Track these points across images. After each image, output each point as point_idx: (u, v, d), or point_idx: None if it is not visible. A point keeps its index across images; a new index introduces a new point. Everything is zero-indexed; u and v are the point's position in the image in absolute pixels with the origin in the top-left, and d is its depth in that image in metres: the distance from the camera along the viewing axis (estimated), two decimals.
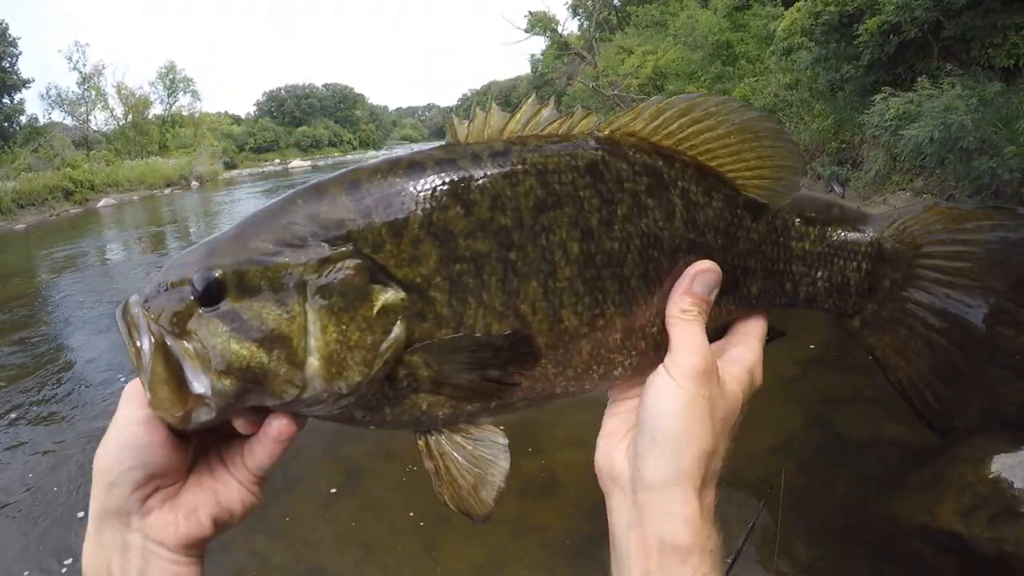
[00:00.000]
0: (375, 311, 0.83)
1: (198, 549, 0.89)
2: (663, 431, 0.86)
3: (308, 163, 77.94)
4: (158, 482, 0.86)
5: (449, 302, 0.86)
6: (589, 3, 47.67)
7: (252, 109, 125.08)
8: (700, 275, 0.94)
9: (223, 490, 0.92)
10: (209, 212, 34.09)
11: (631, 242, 0.94)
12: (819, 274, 1.06)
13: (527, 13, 36.01)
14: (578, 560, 4.74)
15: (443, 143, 0.97)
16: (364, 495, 6.08)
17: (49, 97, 66.49)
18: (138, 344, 0.84)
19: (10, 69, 62.92)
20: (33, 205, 42.59)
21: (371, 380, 0.85)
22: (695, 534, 0.82)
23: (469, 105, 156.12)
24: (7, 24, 63.20)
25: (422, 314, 0.86)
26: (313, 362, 0.83)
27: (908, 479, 5.18)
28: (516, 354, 0.89)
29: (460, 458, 0.94)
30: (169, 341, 0.83)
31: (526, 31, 36.42)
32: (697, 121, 1.01)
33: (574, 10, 50.12)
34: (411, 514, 5.57)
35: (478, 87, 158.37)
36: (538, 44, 59.79)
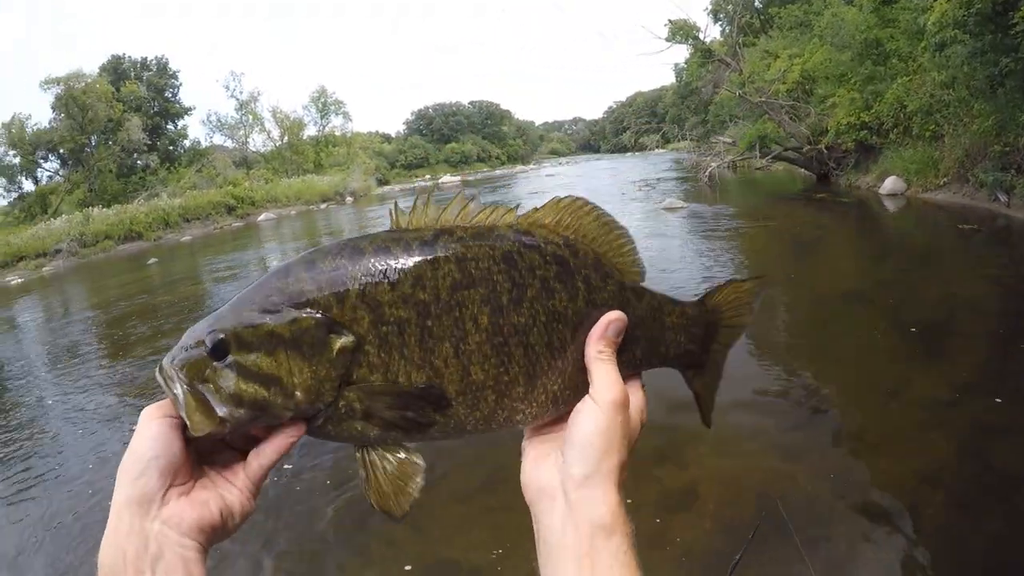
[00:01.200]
0: (334, 353, 1.07)
1: (206, 537, 0.99)
2: (590, 444, 1.06)
3: (457, 178, 78.89)
4: (174, 479, 0.99)
5: (379, 354, 1.09)
6: (730, 7, 46.96)
7: (401, 128, 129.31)
8: (612, 323, 1.16)
9: (226, 494, 1.06)
10: (363, 223, 35.54)
11: (538, 317, 1.15)
12: (680, 339, 1.35)
13: (667, 22, 35.59)
14: None
15: (388, 229, 1.18)
16: (503, 496, 6.06)
17: (210, 122, 72.26)
18: (174, 391, 1.03)
19: (173, 99, 68.27)
20: (198, 219, 46.72)
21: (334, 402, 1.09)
22: (617, 517, 1.02)
23: (615, 117, 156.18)
24: (167, 59, 67.92)
25: (359, 361, 1.09)
26: (298, 393, 1.05)
27: None
28: (431, 398, 1.11)
29: (385, 470, 1.13)
30: (196, 384, 1.04)
31: (667, 40, 36.01)
32: (585, 216, 1.26)
33: (715, 15, 49.50)
34: None
35: (623, 99, 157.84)
36: (681, 53, 59.15)
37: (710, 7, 48.91)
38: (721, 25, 48.63)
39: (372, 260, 1.11)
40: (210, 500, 1.01)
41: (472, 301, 1.12)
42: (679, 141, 56.81)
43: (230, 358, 1.04)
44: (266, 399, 1.04)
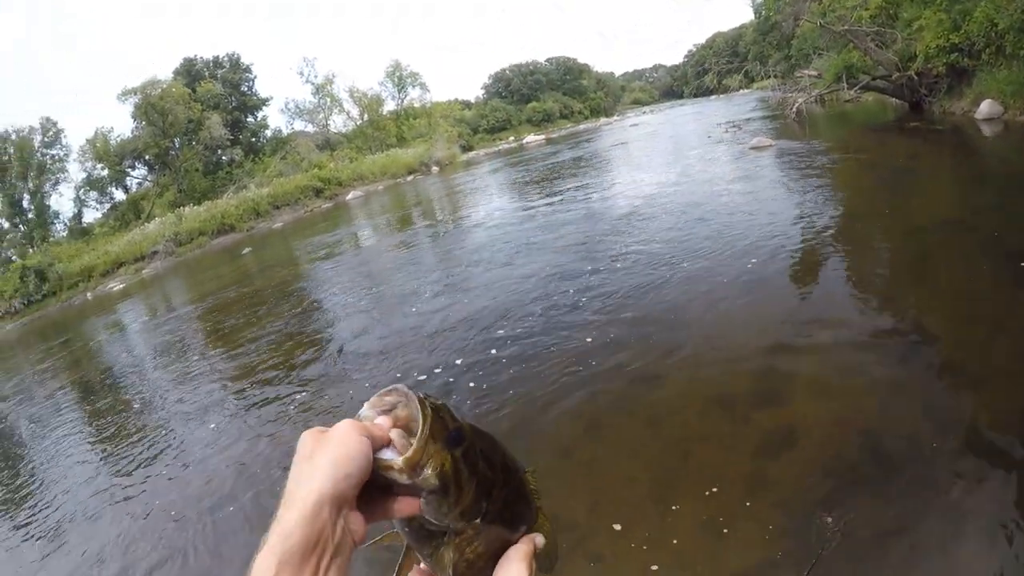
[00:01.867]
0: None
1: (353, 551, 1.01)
2: None
3: (542, 137, 78.12)
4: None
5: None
6: None
7: (480, 93, 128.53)
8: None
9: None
10: (451, 191, 35.88)
11: None
12: None
13: None
14: (808, 521, 4.52)
15: None
16: (608, 445, 6.20)
17: (288, 110, 74.01)
18: (418, 432, 1.04)
19: (249, 92, 69.85)
20: (287, 205, 47.99)
21: None
22: None
23: (696, 61, 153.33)
24: (239, 54, 69.83)
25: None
26: (465, 508, 1.10)
27: None
28: None
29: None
30: (427, 444, 1.04)
31: None
32: None
33: None
34: (644, 469, 5.65)
35: (703, 41, 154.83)
36: None
37: None
38: None
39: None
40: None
41: None
42: (763, 79, 55.85)
43: (457, 451, 1.07)
44: (447, 496, 1.06)
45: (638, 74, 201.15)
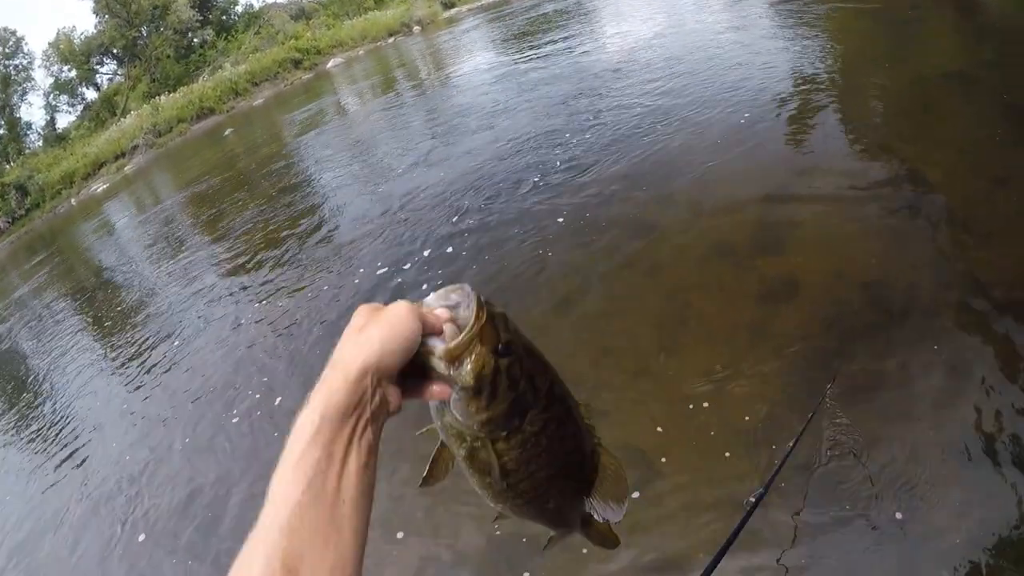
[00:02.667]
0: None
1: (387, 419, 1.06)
2: None
3: None
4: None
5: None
6: None
7: None
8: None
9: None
10: (433, 51, 34.72)
11: None
12: None
13: None
14: (810, 370, 4.64)
15: None
16: (608, 298, 6.29)
17: None
18: (467, 328, 1.06)
19: None
20: (267, 80, 47.19)
21: None
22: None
23: None
24: None
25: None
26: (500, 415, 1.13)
27: None
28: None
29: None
30: (474, 344, 1.06)
31: None
32: None
33: None
34: (646, 320, 5.73)
35: None
36: None
37: None
38: None
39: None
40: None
41: None
42: None
43: (502, 361, 1.08)
44: (477, 398, 1.08)
45: None
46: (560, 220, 7.80)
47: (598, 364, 5.31)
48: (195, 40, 61.72)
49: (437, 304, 1.09)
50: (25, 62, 59.56)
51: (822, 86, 10.11)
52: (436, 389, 1.08)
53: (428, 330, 1.05)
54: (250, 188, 16.10)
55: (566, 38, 22.01)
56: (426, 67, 28.50)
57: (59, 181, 41.79)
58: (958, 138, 7.61)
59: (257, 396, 7.10)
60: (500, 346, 1.08)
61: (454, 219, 8.73)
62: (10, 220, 40.36)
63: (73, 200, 38.67)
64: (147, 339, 9.85)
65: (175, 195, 20.98)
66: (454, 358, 1.05)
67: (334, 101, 26.94)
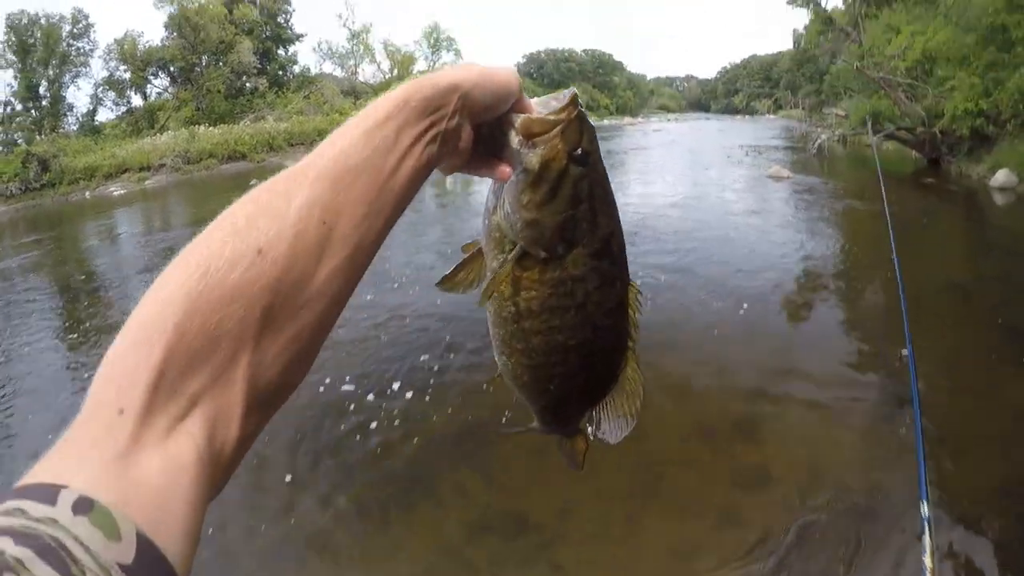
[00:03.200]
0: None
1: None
2: None
3: None
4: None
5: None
6: None
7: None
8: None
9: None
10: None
11: None
12: None
13: None
14: (773, 562, 4.64)
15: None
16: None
17: (321, 50, 73.73)
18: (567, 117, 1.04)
19: (285, 24, 69.24)
20: (303, 144, 47.47)
21: None
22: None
23: (729, 78, 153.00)
24: None
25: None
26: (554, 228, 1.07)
27: None
28: None
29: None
30: (566, 130, 1.03)
31: (788, 2, 35.32)
32: None
33: None
34: (620, 483, 5.68)
35: (738, 60, 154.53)
36: (801, 18, 57.75)
37: None
38: None
39: None
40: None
41: None
42: (791, 108, 55.84)
43: (573, 167, 1.05)
44: (534, 190, 1.05)
45: (669, 80, 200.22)
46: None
47: (562, 516, 5.34)
48: (248, 85, 63.09)
49: (537, 105, 1.07)
50: (87, 48, 60.36)
51: (825, 284, 10.43)
52: (501, 167, 1.06)
53: (519, 108, 1.04)
54: None
55: None
56: (453, 177, 28.87)
57: (81, 170, 42.02)
58: (948, 352, 7.79)
59: None
60: (579, 151, 1.04)
61: (437, 351, 8.72)
62: (23, 188, 40.42)
63: (88, 193, 38.85)
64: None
65: (186, 227, 20.81)
66: (530, 133, 1.02)
67: None
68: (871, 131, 26.89)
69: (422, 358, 8.04)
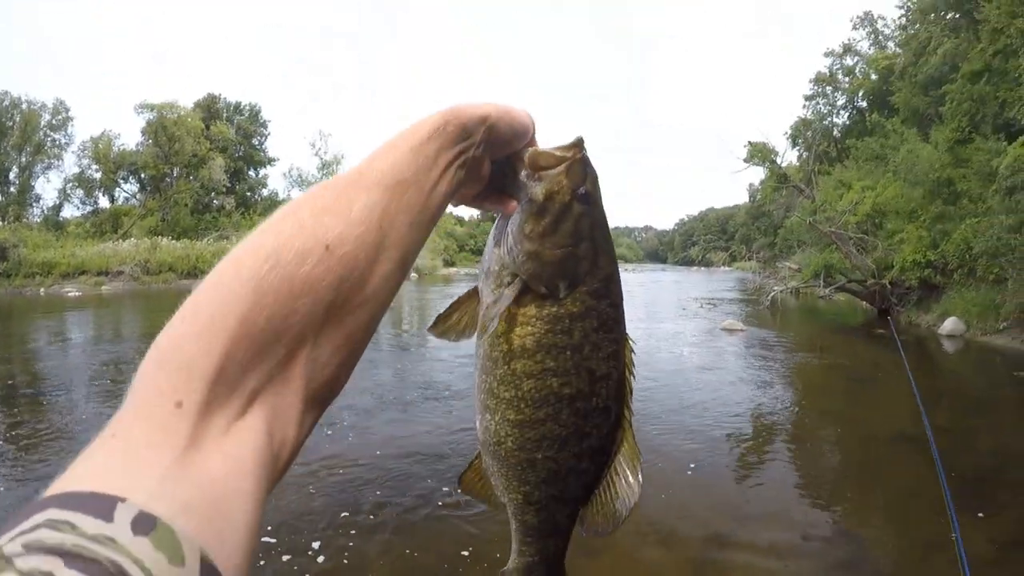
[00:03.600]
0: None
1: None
2: None
3: None
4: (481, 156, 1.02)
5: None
6: (808, 134, 47.38)
7: (476, 213, 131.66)
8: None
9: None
10: (423, 300, 35.62)
11: None
12: None
13: (747, 143, 36.17)
14: None
15: None
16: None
17: (291, 176, 73.67)
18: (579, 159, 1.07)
19: (259, 147, 70.75)
20: None
21: None
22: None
23: (686, 230, 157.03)
24: (260, 107, 70.52)
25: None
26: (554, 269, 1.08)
27: None
28: None
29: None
30: (570, 175, 1.07)
31: (745, 161, 36.49)
32: None
33: (793, 140, 49.92)
34: None
35: (695, 213, 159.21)
36: (756, 174, 59.75)
37: (789, 132, 49.30)
38: (798, 150, 49.03)
39: None
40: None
41: None
42: (746, 260, 57.03)
43: (576, 204, 1.06)
44: (536, 221, 1.06)
45: (627, 231, 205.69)
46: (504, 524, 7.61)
47: None
48: (215, 202, 64.06)
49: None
50: (63, 140, 60.99)
51: (777, 434, 10.44)
52: (509, 201, 1.09)
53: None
54: None
55: None
56: (410, 315, 28.78)
57: (39, 265, 41.79)
58: (898, 501, 7.73)
59: None
60: (582, 190, 1.06)
61: (365, 507, 8.26)
62: None
63: (43, 290, 38.49)
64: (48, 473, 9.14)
65: (138, 340, 20.18)
66: (537, 166, 1.05)
67: None
68: (823, 283, 27.65)
69: (343, 515, 7.67)
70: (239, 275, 0.70)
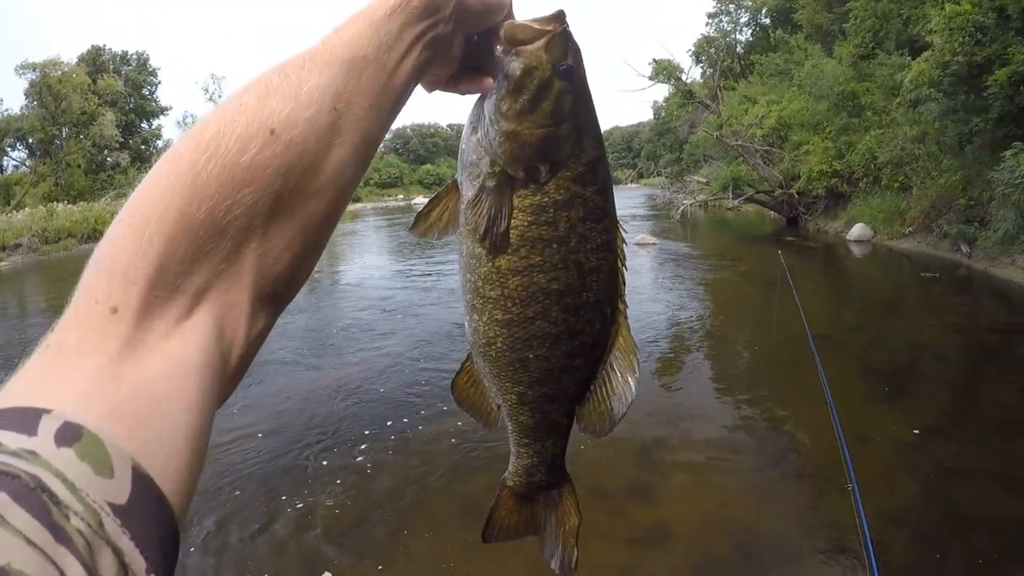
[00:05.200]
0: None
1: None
2: None
3: None
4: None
5: None
6: (712, 51, 47.49)
7: (380, 146, 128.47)
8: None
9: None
10: (333, 241, 33.88)
11: None
12: None
13: (651, 61, 36.00)
14: None
15: None
16: (474, 530, 6.09)
17: (185, 124, 69.26)
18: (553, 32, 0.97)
19: (150, 97, 66.98)
20: None
21: None
22: None
23: None
24: (148, 56, 67.02)
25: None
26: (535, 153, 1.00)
27: None
28: None
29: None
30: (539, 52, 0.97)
31: (650, 79, 36.37)
32: None
33: (697, 57, 49.93)
34: (517, 553, 5.57)
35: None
36: (661, 91, 59.70)
37: (693, 49, 49.29)
38: (703, 67, 49.05)
39: None
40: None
41: None
42: (653, 177, 57.23)
43: (557, 80, 0.98)
44: (514, 98, 0.98)
45: None
46: (429, 440, 7.62)
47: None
48: (109, 159, 60.37)
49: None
50: None
51: (697, 342, 10.88)
52: (485, 79, 1.00)
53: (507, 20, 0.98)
54: None
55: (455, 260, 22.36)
56: (323, 257, 27.91)
57: None
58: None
59: None
60: (563, 65, 0.97)
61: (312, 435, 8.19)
62: None
63: None
64: None
65: (43, 313, 18.87)
66: (514, 40, 0.96)
67: None
68: (731, 195, 28.06)
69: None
70: (176, 168, 0.66)
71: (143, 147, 65.51)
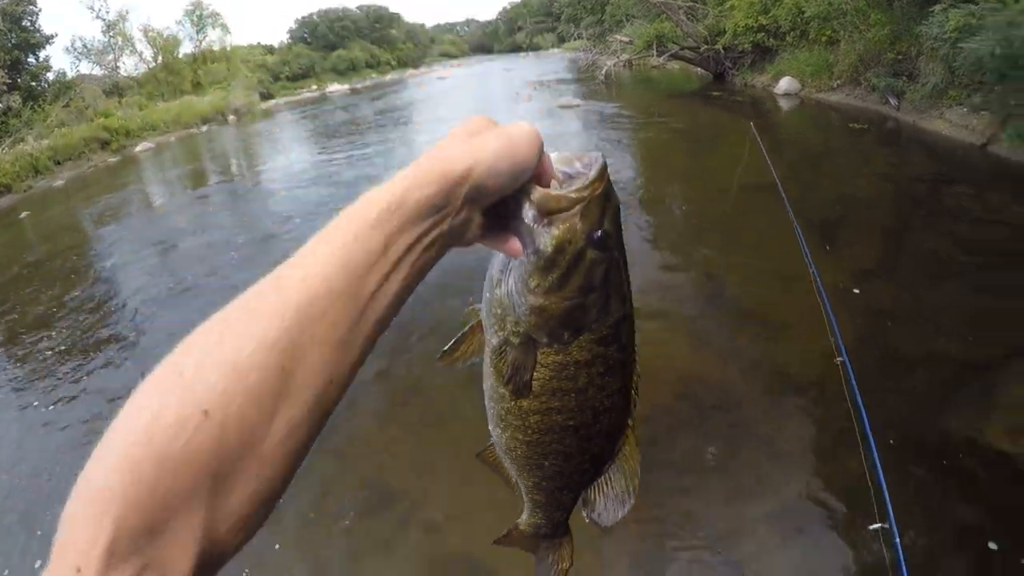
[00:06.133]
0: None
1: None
2: None
3: (346, 86, 75.60)
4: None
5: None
6: None
7: (285, 38, 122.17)
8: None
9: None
10: (249, 143, 33.83)
11: None
12: None
13: None
14: None
15: None
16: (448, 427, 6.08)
17: (75, 50, 64.32)
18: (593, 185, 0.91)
19: (32, 27, 62.17)
20: (70, 160, 41.17)
21: None
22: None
23: (510, 17, 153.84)
24: None
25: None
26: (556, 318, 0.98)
27: (957, 396, 5.15)
28: None
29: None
30: (591, 204, 0.91)
31: None
32: None
33: None
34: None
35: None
36: None
37: None
38: None
39: None
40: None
41: None
42: (575, 40, 56.58)
43: (590, 250, 0.93)
44: (544, 273, 0.92)
45: (449, 27, 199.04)
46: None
47: (421, 476, 5.26)
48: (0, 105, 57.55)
49: (558, 163, 0.94)
50: None
51: (633, 199, 10.84)
52: (512, 242, 0.91)
53: (537, 174, 0.89)
54: (44, 282, 13.57)
55: (381, 141, 22.25)
56: (238, 160, 27.41)
57: None
58: (755, 243, 8.26)
59: None
60: (598, 233, 0.92)
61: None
62: None
63: None
64: None
65: None
66: (547, 211, 0.89)
67: (140, 190, 24.67)
68: (656, 53, 27.88)
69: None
70: (120, 448, 0.62)
71: (33, 83, 59.95)
